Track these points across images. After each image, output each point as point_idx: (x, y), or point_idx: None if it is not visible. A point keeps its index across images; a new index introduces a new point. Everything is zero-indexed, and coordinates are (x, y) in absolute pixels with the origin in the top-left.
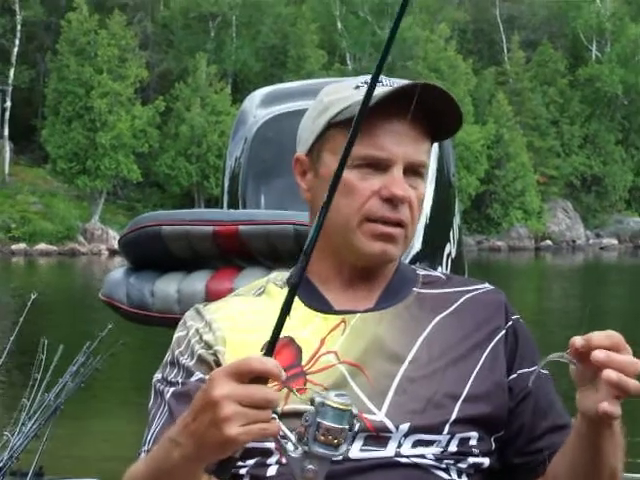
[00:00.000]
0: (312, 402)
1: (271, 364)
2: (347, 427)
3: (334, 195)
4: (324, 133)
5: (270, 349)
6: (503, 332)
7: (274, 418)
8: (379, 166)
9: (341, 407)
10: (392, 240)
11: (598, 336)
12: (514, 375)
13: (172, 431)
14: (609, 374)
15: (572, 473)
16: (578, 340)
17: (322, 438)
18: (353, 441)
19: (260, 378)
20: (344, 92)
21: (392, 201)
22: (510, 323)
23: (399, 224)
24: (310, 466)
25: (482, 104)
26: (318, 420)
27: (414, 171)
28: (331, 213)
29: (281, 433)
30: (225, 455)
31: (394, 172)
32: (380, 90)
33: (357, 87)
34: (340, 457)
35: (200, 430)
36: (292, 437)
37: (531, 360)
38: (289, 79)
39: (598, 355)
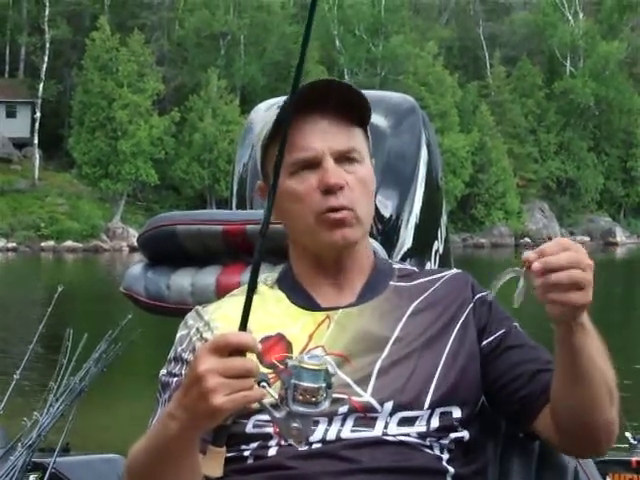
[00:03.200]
0: (286, 366)
1: (245, 337)
2: (324, 385)
3: (277, 182)
4: (265, 156)
5: (243, 325)
6: (471, 305)
7: (263, 386)
8: (312, 165)
9: (314, 368)
10: (345, 224)
11: (549, 246)
12: (491, 338)
13: (169, 406)
14: (535, 266)
15: (566, 386)
16: (532, 254)
17: (300, 398)
18: (331, 395)
19: (239, 351)
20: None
21: (330, 191)
22: (478, 296)
23: (345, 208)
24: (294, 424)
25: (467, 114)
26: (294, 382)
27: (346, 158)
28: (291, 221)
29: (265, 399)
30: (215, 423)
31: (325, 165)
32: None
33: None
34: (321, 412)
35: (190, 403)
36: (275, 395)
37: (507, 322)
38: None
39: (535, 266)
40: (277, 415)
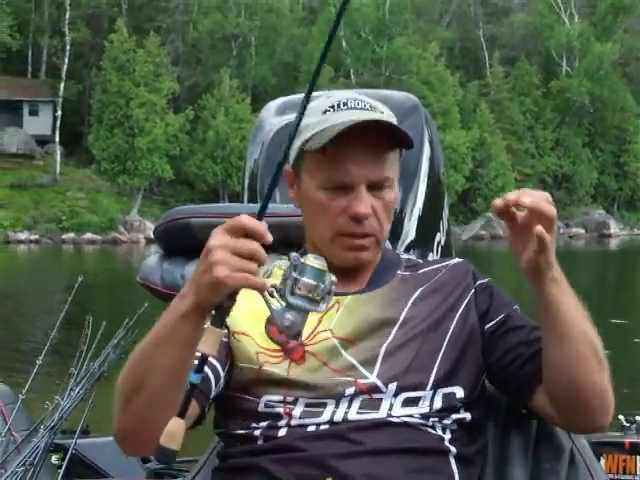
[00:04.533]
0: (289, 259)
1: (259, 224)
2: (322, 285)
3: (275, 188)
4: (301, 155)
5: (260, 215)
6: (473, 291)
7: (270, 292)
8: (345, 187)
9: (316, 266)
10: (363, 249)
11: (512, 193)
12: (492, 322)
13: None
14: (523, 197)
15: (551, 343)
16: (497, 201)
17: (299, 292)
18: (329, 301)
19: (251, 237)
20: (314, 116)
21: (357, 218)
22: (479, 282)
23: (368, 236)
24: (288, 316)
25: (467, 112)
26: (295, 276)
27: (378, 186)
28: (311, 225)
29: (268, 290)
30: (217, 296)
31: (357, 191)
32: (343, 120)
33: (325, 112)
34: (318, 312)
35: (198, 275)
36: (277, 283)
37: (508, 307)
38: (300, 91)
39: (509, 196)
40: (274, 307)
